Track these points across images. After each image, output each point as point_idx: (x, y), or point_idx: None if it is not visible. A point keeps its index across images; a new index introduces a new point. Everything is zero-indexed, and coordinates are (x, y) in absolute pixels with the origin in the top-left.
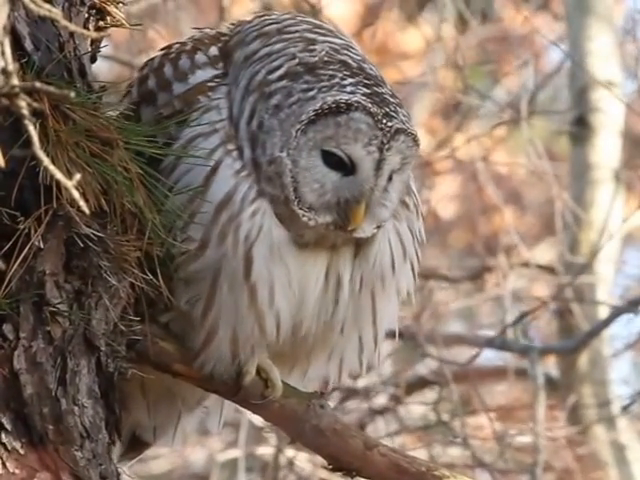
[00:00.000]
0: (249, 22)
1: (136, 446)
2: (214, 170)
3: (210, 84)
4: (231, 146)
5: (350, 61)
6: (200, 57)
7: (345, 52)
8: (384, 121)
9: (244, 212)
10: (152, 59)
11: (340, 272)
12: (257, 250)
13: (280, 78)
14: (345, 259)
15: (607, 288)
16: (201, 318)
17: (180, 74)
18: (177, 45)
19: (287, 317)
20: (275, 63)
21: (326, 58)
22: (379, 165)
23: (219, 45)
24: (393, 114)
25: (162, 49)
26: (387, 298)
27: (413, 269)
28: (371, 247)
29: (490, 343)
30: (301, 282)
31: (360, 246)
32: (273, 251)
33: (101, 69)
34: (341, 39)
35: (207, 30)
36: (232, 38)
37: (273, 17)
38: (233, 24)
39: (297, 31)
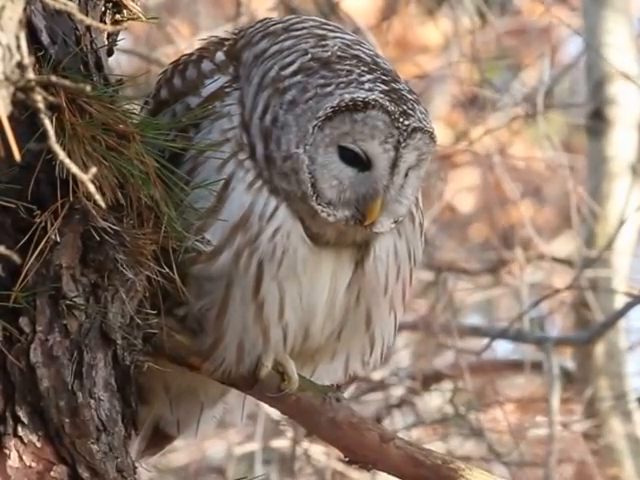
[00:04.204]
0: (252, 26)
1: (159, 440)
2: (226, 185)
3: (227, 89)
4: (243, 155)
5: (364, 56)
6: (206, 65)
7: (357, 47)
8: (401, 119)
9: (263, 234)
10: (165, 70)
11: (339, 282)
12: (271, 270)
13: (294, 73)
14: (344, 270)
15: (623, 280)
16: (213, 323)
17: (190, 84)
18: (185, 57)
19: (295, 328)
20: (287, 59)
21: (339, 53)
22: (395, 163)
23: (224, 49)
24: (410, 112)
25: (173, 62)
26: (381, 311)
27: (404, 288)
28: (368, 262)
29: (505, 333)
30: (311, 295)
31: (361, 257)
32: (292, 269)
33: (120, 62)
34: (351, 35)
35: (212, 38)
36: (237, 42)
37: (276, 19)
38: (236, 29)
39: (304, 28)
